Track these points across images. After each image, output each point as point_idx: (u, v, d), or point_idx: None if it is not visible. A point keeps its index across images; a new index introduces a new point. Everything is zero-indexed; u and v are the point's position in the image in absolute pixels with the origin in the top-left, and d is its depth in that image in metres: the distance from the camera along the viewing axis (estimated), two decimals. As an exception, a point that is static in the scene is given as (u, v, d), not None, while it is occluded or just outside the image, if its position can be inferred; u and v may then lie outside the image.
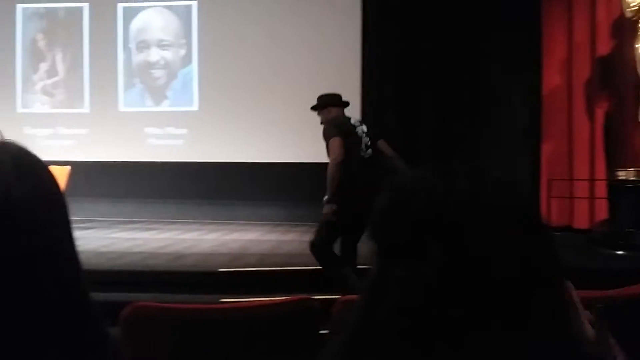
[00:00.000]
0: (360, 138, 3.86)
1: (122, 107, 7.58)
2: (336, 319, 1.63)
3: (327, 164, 3.68)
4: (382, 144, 3.95)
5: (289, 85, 7.31)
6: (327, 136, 3.79)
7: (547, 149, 6.44)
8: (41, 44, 7.61)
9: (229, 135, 7.36)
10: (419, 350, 0.55)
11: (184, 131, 7.52)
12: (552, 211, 6.02)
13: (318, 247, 3.81)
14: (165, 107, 7.59)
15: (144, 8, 7.53)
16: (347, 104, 4.10)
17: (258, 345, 1.74)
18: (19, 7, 7.54)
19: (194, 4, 7.45)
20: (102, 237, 5.80)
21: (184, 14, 7.50)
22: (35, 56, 7.61)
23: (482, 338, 0.55)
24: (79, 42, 7.55)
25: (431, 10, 6.89)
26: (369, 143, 3.88)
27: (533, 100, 6.53)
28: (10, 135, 0.66)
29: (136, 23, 7.53)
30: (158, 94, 7.59)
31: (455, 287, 0.55)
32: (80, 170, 6.44)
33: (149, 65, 7.54)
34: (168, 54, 7.55)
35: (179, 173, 7.42)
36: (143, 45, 7.54)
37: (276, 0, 7.35)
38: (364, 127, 3.94)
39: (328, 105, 3.99)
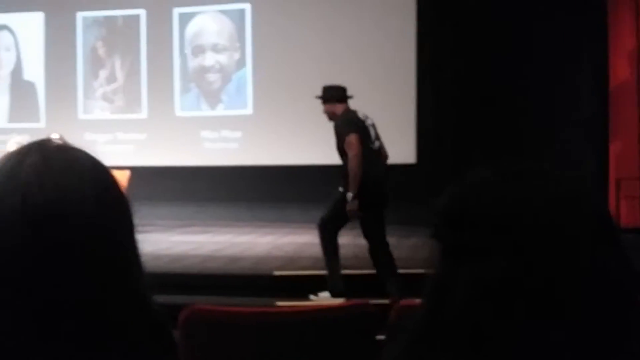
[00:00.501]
0: (368, 131, 4.12)
1: (178, 112, 7.72)
2: (393, 324, 1.62)
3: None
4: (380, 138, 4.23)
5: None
6: (343, 133, 4.03)
7: (615, 146, 6.10)
8: (101, 51, 7.87)
9: (283, 138, 7.36)
10: (483, 356, 0.54)
11: (238, 134, 7.58)
12: (621, 212, 5.71)
13: (326, 225, 4.11)
14: (220, 110, 7.68)
15: (199, 13, 7.64)
16: (350, 97, 4.33)
17: (313, 350, 1.75)
18: (80, 15, 7.82)
19: (248, 8, 7.51)
20: (160, 240, 5.90)
21: (237, 17, 7.56)
22: (95, 63, 7.86)
23: (548, 346, 0.53)
24: (137, 48, 7.75)
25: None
26: (375, 135, 4.16)
27: (599, 92, 6.19)
28: (72, 141, 0.66)
29: (191, 28, 7.66)
30: (213, 98, 7.69)
31: (521, 292, 0.53)
32: (139, 174, 6.57)
33: (204, 70, 7.65)
34: (223, 58, 7.63)
35: (233, 176, 7.47)
36: (198, 50, 7.66)
37: (329, 1, 7.29)
38: (370, 121, 4.19)
39: (334, 99, 4.27)
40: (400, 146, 6.98)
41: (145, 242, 0.67)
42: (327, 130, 7.15)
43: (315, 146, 7.25)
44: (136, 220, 0.64)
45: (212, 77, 7.65)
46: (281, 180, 7.36)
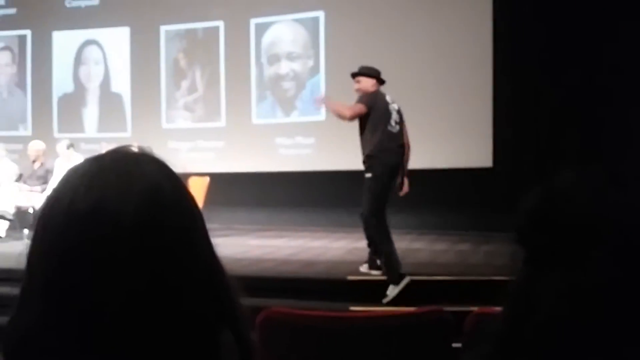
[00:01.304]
0: (390, 114, 4.36)
1: (255, 120, 7.92)
2: (469, 332, 1.58)
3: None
4: (404, 127, 4.53)
5: (416, 92, 7.16)
6: (358, 99, 4.35)
7: None
8: (182, 62, 8.21)
9: (355, 143, 7.36)
10: None
11: (312, 140, 7.68)
12: None
13: (370, 216, 4.28)
14: (294, 117, 7.81)
15: (274, 23, 7.82)
16: (384, 81, 4.58)
17: (388, 357, 1.73)
18: (162, 29, 8.21)
19: (321, 15, 7.61)
20: (238, 244, 6.08)
21: (311, 25, 7.68)
22: (177, 74, 8.21)
23: None
24: (216, 59, 8.02)
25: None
26: (398, 120, 4.43)
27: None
28: (157, 149, 0.68)
29: (267, 37, 7.85)
30: (288, 105, 7.83)
31: (619, 299, 0.51)
32: (218, 180, 6.81)
33: (279, 78, 7.81)
34: (297, 66, 7.77)
35: (308, 181, 7.57)
36: (274, 59, 7.84)
37: (402, 7, 7.26)
38: (396, 106, 4.46)
39: (367, 75, 4.49)
40: (476, 150, 6.83)
41: (224, 245, 0.68)
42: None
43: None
44: (215, 225, 0.65)
45: (287, 84, 7.80)
46: (354, 184, 7.35)
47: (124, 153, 0.65)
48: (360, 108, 4.25)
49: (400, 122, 4.45)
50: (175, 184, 0.64)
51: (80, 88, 8.60)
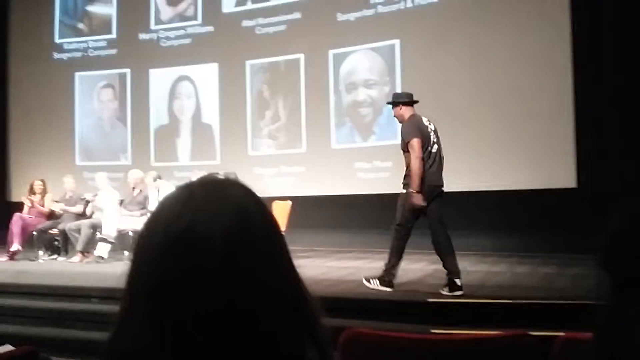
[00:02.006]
0: (429, 135, 4.68)
1: (334, 145, 8.16)
2: (557, 357, 1.52)
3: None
4: (440, 145, 4.78)
5: (493, 115, 7.17)
6: (408, 135, 4.61)
7: None
8: (266, 94, 8.62)
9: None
10: None
11: (389, 164, 7.79)
12: None
13: (400, 226, 4.72)
14: (372, 142, 7.98)
15: (351, 52, 8.08)
16: (416, 102, 4.87)
17: None
18: (248, 63, 8.69)
19: (397, 43, 7.78)
20: (319, 265, 6.23)
21: (387, 53, 7.86)
22: (261, 105, 8.62)
23: None
24: (297, 89, 8.36)
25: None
26: (436, 140, 4.73)
27: None
28: (243, 175, 0.74)
29: (345, 67, 8.12)
30: (365, 130, 8.02)
31: None
32: (300, 204, 7.06)
33: (357, 104, 8.03)
34: (374, 92, 7.97)
35: (386, 204, 7.62)
36: (352, 87, 8.08)
37: (475, 29, 7.30)
38: (432, 127, 4.76)
39: (402, 103, 4.80)
40: (558, 169, 6.68)
41: (305, 267, 0.69)
42: (476, 157, 7.16)
43: (464, 172, 7.23)
44: (297, 247, 0.74)
45: (365, 110, 8.00)
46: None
47: (212, 179, 0.68)
48: (417, 142, 4.58)
49: (438, 141, 4.78)
50: (260, 207, 0.66)
51: (174, 120, 9.19)
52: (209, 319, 0.59)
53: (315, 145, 8.20)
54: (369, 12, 7.99)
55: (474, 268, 5.93)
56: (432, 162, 4.72)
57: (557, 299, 4.29)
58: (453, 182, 7.21)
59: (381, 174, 7.82)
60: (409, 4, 7.75)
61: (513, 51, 7.05)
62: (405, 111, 4.79)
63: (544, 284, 5.06)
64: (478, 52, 7.26)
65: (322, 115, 8.18)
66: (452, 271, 4.56)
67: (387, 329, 2.97)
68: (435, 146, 4.75)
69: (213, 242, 0.61)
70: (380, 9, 7.91)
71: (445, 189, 7.23)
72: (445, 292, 4.54)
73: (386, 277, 4.73)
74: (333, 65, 8.16)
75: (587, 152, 6.56)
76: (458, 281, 4.52)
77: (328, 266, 6.24)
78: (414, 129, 4.64)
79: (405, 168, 4.78)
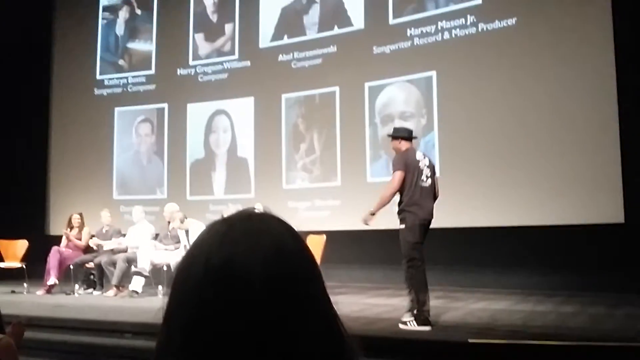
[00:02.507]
0: (422, 170, 4.81)
1: (369, 178, 8.06)
2: None
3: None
4: (436, 179, 4.96)
5: (533, 147, 6.99)
6: (394, 167, 4.85)
7: None
8: (301, 127, 8.64)
9: (471, 200, 7.26)
10: None
11: (427, 198, 7.63)
12: None
13: (411, 262, 4.71)
14: (409, 175, 7.84)
15: (387, 85, 8.05)
16: (415, 137, 5.13)
17: None
18: (283, 97, 8.74)
19: (434, 75, 7.72)
20: (355, 302, 6.09)
21: (424, 85, 7.80)
22: (296, 138, 8.63)
23: None
24: (332, 122, 8.35)
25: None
26: (429, 174, 4.85)
27: None
28: (277, 209, 0.70)
29: (381, 99, 8.07)
30: (402, 164, 7.89)
31: None
32: (334, 238, 6.96)
33: (393, 137, 7.93)
34: (410, 125, 7.83)
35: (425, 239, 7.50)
36: (387, 119, 8.01)
37: (515, 61, 7.18)
38: (427, 162, 4.90)
39: (400, 137, 4.99)
40: (605, 204, 6.42)
41: (341, 303, 0.67)
42: (515, 191, 6.96)
43: (504, 207, 7.04)
44: (331, 282, 0.67)
45: (401, 143, 7.90)
46: (471, 242, 7.20)
47: (250, 213, 0.69)
48: (399, 175, 4.74)
49: (432, 176, 4.89)
50: (298, 241, 0.67)
51: (210, 154, 9.28)
52: (247, 354, 0.59)
53: (350, 178, 8.12)
54: (405, 45, 7.97)
55: (518, 307, 5.68)
56: (424, 196, 4.83)
57: (608, 341, 4.06)
58: (492, 217, 7.06)
59: (418, 207, 7.64)
60: (446, 36, 7.70)
61: (554, 80, 6.90)
62: (403, 145, 4.97)
63: (593, 324, 4.81)
64: (517, 82, 7.13)
65: (357, 148, 8.12)
66: (424, 306, 4.62)
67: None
68: (429, 180, 4.86)
69: (252, 275, 0.61)
70: (417, 41, 7.89)
71: (485, 224, 7.11)
72: (411, 325, 4.58)
73: (421, 315, 4.60)
74: (369, 98, 8.13)
75: (636, 186, 6.29)
76: (427, 314, 4.63)
77: (364, 303, 6.10)
78: (400, 162, 4.83)
79: (398, 202, 4.91)
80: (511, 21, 7.25)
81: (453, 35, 7.65)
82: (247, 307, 0.60)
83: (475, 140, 7.35)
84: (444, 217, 7.38)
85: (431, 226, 7.34)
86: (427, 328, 4.54)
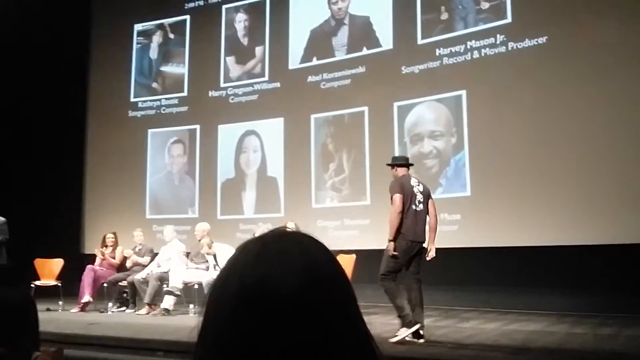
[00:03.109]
0: (415, 195, 5.18)
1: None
2: None
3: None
4: (431, 202, 5.30)
5: (565, 167, 6.88)
6: (391, 190, 5.19)
7: None
8: (330, 146, 8.68)
9: (502, 219, 7.17)
10: None
11: (457, 217, 7.58)
12: None
13: (384, 276, 5.06)
14: (438, 194, 7.77)
15: (416, 104, 8.05)
16: (411, 164, 5.54)
17: None
18: (312, 117, 8.81)
19: (464, 93, 7.70)
20: (386, 322, 6.01)
21: (453, 104, 7.78)
22: (325, 158, 8.67)
23: None
24: (361, 141, 8.37)
25: None
26: (422, 200, 5.22)
27: None
28: (306, 228, 0.73)
29: (410, 118, 8.08)
30: (431, 183, 7.80)
31: None
32: (364, 257, 6.93)
33: (423, 156, 7.91)
34: (440, 144, 7.84)
35: (454, 259, 7.41)
36: (417, 138, 8.00)
37: (547, 80, 7.12)
38: (420, 187, 5.27)
39: (397, 165, 5.43)
40: (641, 224, 6.27)
41: (371, 324, 0.67)
42: (547, 210, 6.84)
43: (537, 226, 6.92)
44: (361, 302, 0.67)
45: (430, 162, 7.87)
46: (503, 262, 7.09)
47: (283, 232, 0.69)
48: (398, 197, 5.14)
49: (425, 201, 5.26)
50: (331, 259, 0.67)
51: (240, 174, 9.38)
52: None
53: (379, 197, 8.07)
54: (434, 64, 7.98)
55: (553, 329, 5.55)
56: (415, 220, 5.18)
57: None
58: (524, 236, 6.94)
59: (449, 227, 7.59)
60: (476, 55, 7.70)
61: (587, 99, 6.81)
62: (399, 172, 5.36)
63: (630, 347, 4.65)
64: (548, 100, 7.06)
65: (386, 168, 8.04)
66: (403, 311, 4.94)
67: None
68: (421, 206, 5.23)
69: (286, 295, 0.61)
70: (446, 60, 7.90)
71: (517, 244, 7.00)
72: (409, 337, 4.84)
73: (404, 324, 4.92)
74: (397, 117, 8.14)
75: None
76: (422, 332, 4.93)
77: (395, 324, 6.00)
78: (397, 186, 5.20)
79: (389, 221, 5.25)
80: (542, 39, 7.21)
81: (483, 55, 7.64)
82: (281, 327, 0.60)
83: (506, 159, 7.28)
84: (475, 236, 7.32)
85: (464, 245, 7.32)
86: (415, 328, 4.87)
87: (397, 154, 8.09)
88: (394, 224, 5.08)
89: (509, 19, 7.51)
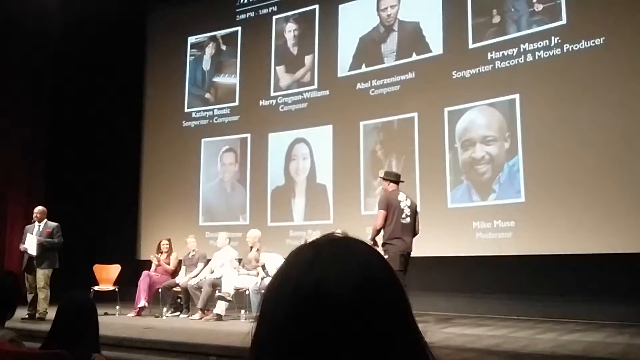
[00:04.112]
0: (402, 210, 5.77)
1: (450, 204, 7.90)
2: None
3: None
4: (417, 217, 5.93)
5: (620, 173, 6.62)
6: (378, 205, 5.91)
7: None
8: (379, 153, 8.64)
9: (558, 226, 6.94)
10: None
11: (511, 224, 7.39)
12: None
13: None
14: (491, 200, 7.63)
15: (468, 109, 7.92)
16: (402, 181, 6.11)
17: None
18: (361, 124, 8.80)
19: (517, 97, 7.52)
20: (437, 331, 5.94)
21: (506, 108, 7.61)
22: (374, 164, 8.61)
23: None
24: (411, 147, 8.28)
25: None
26: (409, 213, 5.81)
27: None
28: (355, 235, 0.71)
29: (461, 123, 7.94)
30: (484, 189, 7.69)
31: None
32: (415, 265, 6.84)
33: (475, 162, 7.76)
34: (492, 149, 7.68)
35: (508, 267, 7.24)
36: (468, 144, 7.86)
37: (602, 84, 6.88)
38: (408, 202, 5.87)
39: (389, 180, 6.00)
40: None
41: (422, 332, 0.67)
42: (603, 217, 6.58)
43: (595, 235, 6.68)
44: (412, 310, 0.67)
45: (483, 168, 7.71)
46: (559, 270, 6.86)
47: (335, 237, 0.69)
48: (382, 214, 5.74)
49: (412, 215, 5.85)
50: (384, 265, 0.67)
51: (290, 181, 9.46)
52: None
53: (430, 204, 7.99)
54: (486, 68, 7.84)
55: (613, 340, 5.32)
56: (403, 231, 5.73)
57: None
58: (581, 243, 6.69)
59: (502, 234, 7.43)
60: (529, 58, 7.51)
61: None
62: (390, 187, 5.95)
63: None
64: (605, 104, 6.82)
65: (437, 174, 8.00)
66: None
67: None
68: (408, 219, 5.82)
69: (342, 300, 0.61)
70: (498, 64, 7.75)
71: (574, 251, 6.76)
72: None
73: None
74: (448, 123, 8.02)
75: None
76: None
77: (446, 332, 5.92)
78: (383, 202, 5.85)
79: (382, 236, 5.77)
80: (599, 41, 6.97)
81: (537, 57, 7.45)
82: (338, 332, 0.60)
83: (561, 164, 7.06)
84: (530, 243, 7.11)
85: (518, 253, 7.14)
86: None
87: (447, 160, 8.00)
88: (373, 232, 5.85)
89: (563, 21, 7.30)
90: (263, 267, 7.35)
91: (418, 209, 6.07)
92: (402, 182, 6.15)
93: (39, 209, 7.72)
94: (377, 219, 5.82)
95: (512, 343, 5.19)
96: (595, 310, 6.55)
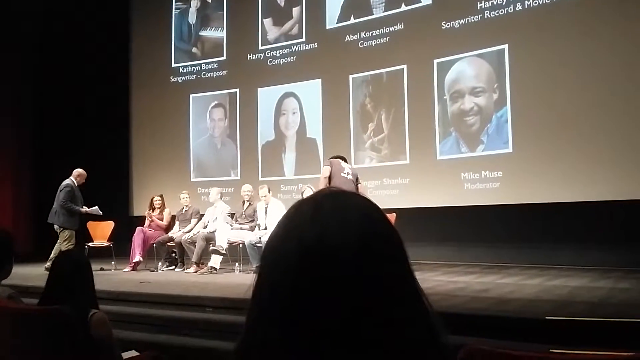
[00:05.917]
0: (345, 178, 6.18)
1: (439, 156, 7.97)
2: None
3: None
4: (361, 187, 6.49)
5: (608, 122, 6.69)
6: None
7: None
8: (369, 106, 8.62)
9: (545, 175, 7.05)
10: None
11: (499, 174, 7.50)
12: None
13: None
14: (480, 151, 7.70)
15: (456, 60, 7.88)
16: (344, 159, 6.64)
17: None
18: (350, 77, 8.75)
19: (505, 48, 7.50)
20: (427, 279, 6.11)
21: (495, 59, 7.59)
22: (364, 118, 8.63)
23: None
24: (400, 100, 8.28)
25: None
26: (355, 181, 6.36)
27: None
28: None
29: (450, 75, 7.92)
30: (473, 140, 7.75)
31: None
32: (404, 216, 6.97)
33: (463, 113, 7.79)
34: (481, 100, 7.70)
35: (495, 216, 7.38)
36: (457, 95, 7.86)
37: (590, 32, 6.86)
38: (350, 171, 6.36)
39: (332, 158, 6.47)
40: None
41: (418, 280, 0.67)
42: (589, 166, 6.70)
43: (580, 182, 6.81)
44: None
45: (471, 119, 7.74)
46: (546, 218, 7.02)
47: (335, 191, 0.70)
48: (324, 174, 6.24)
49: (356, 183, 6.34)
50: (382, 215, 0.68)
51: (280, 136, 9.46)
52: (344, 326, 0.60)
53: (419, 156, 8.07)
54: (475, 18, 7.77)
55: (597, 284, 5.51)
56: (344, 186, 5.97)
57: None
58: (568, 192, 6.83)
59: (490, 184, 7.54)
60: (519, 7, 7.45)
61: (633, 50, 6.54)
62: (334, 161, 6.41)
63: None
64: (592, 53, 6.81)
65: (426, 126, 8.03)
66: None
67: (502, 347, 2.82)
68: (350, 176, 6.31)
69: (346, 249, 0.62)
70: (488, 14, 7.68)
71: (561, 199, 6.90)
72: None
73: None
74: (437, 74, 8.00)
75: None
76: None
77: (436, 280, 6.09)
78: (326, 169, 6.31)
79: None
80: (587, -12, 6.91)
81: (526, 6, 7.39)
82: (342, 282, 0.61)
83: (549, 115, 7.11)
84: (517, 193, 7.24)
85: (506, 202, 7.26)
86: None
87: (436, 112, 8.02)
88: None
89: (553, -32, 7.20)
90: (266, 209, 7.51)
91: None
92: (346, 160, 6.65)
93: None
94: (321, 178, 6.23)
95: (499, 289, 5.36)
96: (581, 256, 6.75)
